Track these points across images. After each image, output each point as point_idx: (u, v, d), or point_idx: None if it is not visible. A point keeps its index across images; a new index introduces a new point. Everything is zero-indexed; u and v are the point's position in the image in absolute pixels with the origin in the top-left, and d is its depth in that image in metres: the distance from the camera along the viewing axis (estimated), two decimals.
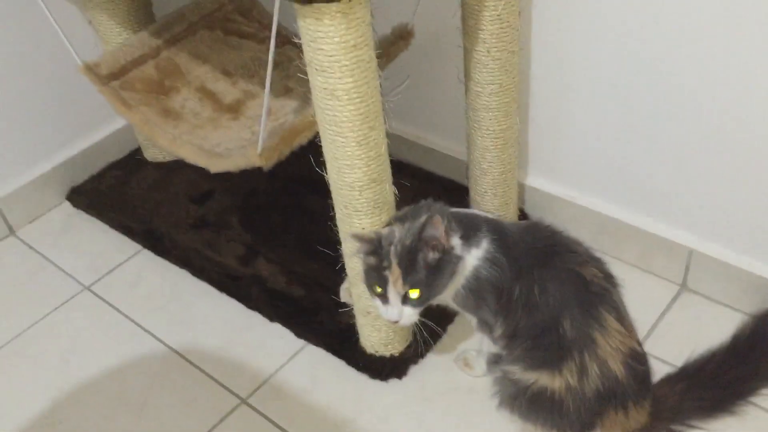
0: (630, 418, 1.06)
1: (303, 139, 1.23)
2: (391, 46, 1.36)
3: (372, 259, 1.05)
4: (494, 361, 1.23)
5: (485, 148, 1.34)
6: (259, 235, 1.56)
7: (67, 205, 1.73)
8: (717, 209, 1.29)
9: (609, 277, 1.08)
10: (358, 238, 1.04)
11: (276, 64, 1.35)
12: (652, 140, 1.29)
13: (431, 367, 1.31)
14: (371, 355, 1.31)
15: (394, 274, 1.02)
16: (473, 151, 1.37)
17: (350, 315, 1.31)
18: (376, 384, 1.30)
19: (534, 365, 1.08)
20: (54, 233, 1.67)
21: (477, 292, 1.08)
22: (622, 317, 1.06)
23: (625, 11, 1.19)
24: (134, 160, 1.80)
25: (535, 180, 1.49)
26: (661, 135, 1.28)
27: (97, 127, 1.77)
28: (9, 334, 1.45)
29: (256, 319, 1.42)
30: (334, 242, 1.22)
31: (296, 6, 0.90)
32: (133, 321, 1.45)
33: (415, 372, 1.31)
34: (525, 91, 1.39)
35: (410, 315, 1.06)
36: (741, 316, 1.32)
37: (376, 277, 1.04)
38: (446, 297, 1.13)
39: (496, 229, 1.09)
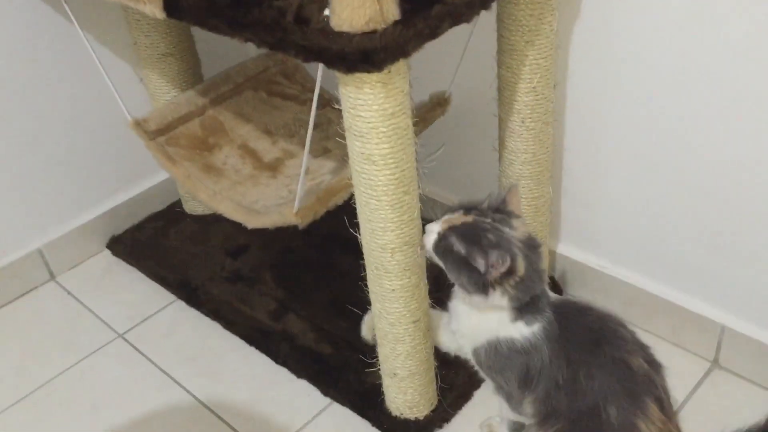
0: None
1: (339, 200, 1.26)
2: (429, 112, 1.41)
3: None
4: (516, 429, 1.22)
5: None
6: (290, 292, 1.59)
7: (107, 253, 1.77)
8: (750, 287, 1.28)
9: (654, 364, 1.06)
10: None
11: (316, 126, 1.40)
12: (686, 215, 1.30)
13: None
14: (396, 417, 1.31)
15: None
16: None
17: (376, 375, 1.31)
18: None
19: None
20: (93, 280, 1.71)
21: (503, 360, 1.08)
22: (664, 406, 1.03)
23: (660, 89, 1.22)
24: (174, 212, 1.85)
25: (566, 248, 1.50)
26: (694, 211, 1.28)
27: (140, 180, 1.83)
28: (43, 378, 1.48)
29: (283, 374, 1.44)
30: (364, 302, 1.23)
31: (338, 74, 0.94)
32: (163, 371, 1.48)
33: None
34: (558, 161, 1.41)
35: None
36: None
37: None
38: (466, 346, 1.12)
39: (552, 312, 1.06)
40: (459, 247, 1.01)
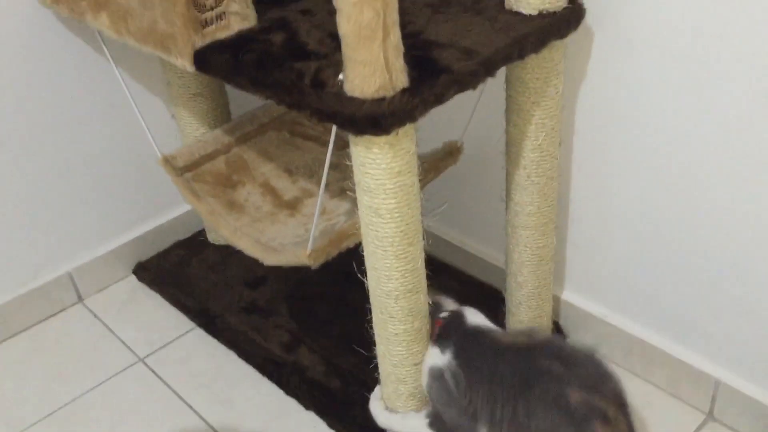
0: None
1: (350, 243, 1.33)
2: (441, 161, 1.47)
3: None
4: None
5: (522, 263, 1.41)
6: (304, 324, 1.66)
7: (133, 278, 1.86)
8: (745, 343, 1.32)
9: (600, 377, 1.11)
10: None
11: (334, 166, 1.48)
12: (686, 271, 1.34)
13: None
14: None
15: None
16: (510, 264, 1.44)
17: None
18: None
19: None
20: (118, 304, 1.80)
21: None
22: (609, 417, 1.06)
23: (663, 148, 1.27)
24: (198, 241, 1.94)
25: (570, 295, 1.55)
26: (694, 267, 1.33)
27: (166, 209, 1.91)
28: (67, 397, 1.56)
29: (292, 405, 1.50)
30: (372, 341, 1.30)
31: (349, 134, 1.02)
32: (179, 396, 1.55)
33: None
34: (564, 212, 1.47)
35: None
36: None
37: None
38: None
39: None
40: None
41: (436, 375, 1.21)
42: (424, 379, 1.23)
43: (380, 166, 1.02)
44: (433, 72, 1.01)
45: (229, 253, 1.88)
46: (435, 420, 1.25)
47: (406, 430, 1.30)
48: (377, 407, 1.34)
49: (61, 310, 1.78)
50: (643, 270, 1.41)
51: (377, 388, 1.35)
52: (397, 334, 1.20)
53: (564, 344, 1.20)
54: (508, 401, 1.11)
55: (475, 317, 1.24)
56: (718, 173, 1.22)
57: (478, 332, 1.20)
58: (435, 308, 1.25)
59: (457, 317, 1.23)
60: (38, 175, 1.66)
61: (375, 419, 1.34)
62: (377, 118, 0.96)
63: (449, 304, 1.28)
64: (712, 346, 1.37)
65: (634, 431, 1.10)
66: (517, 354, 1.15)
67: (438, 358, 1.21)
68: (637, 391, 1.46)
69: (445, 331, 1.22)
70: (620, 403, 1.10)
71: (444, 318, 1.23)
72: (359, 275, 1.21)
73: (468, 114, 1.42)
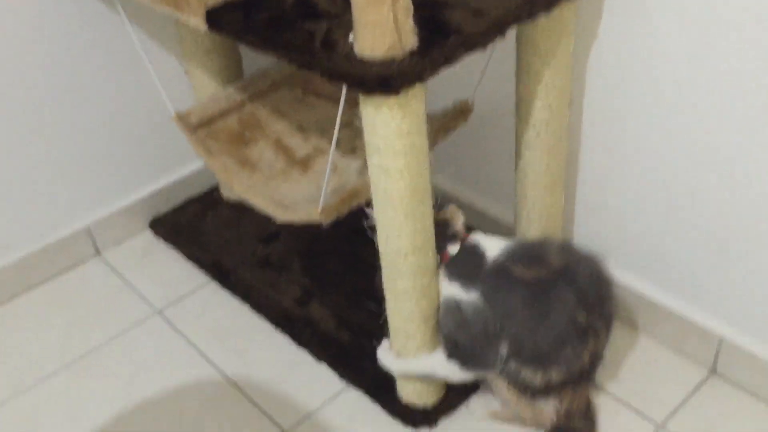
0: (578, 395, 1.30)
1: (361, 200, 1.35)
2: (451, 120, 1.48)
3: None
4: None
5: (530, 221, 1.43)
6: (315, 280, 1.69)
7: (149, 233, 1.90)
8: (748, 300, 1.34)
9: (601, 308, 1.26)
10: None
11: (346, 124, 1.49)
12: (691, 228, 1.36)
13: (460, 421, 1.40)
14: (406, 405, 1.41)
15: None
16: (519, 222, 1.46)
17: None
18: (409, 431, 1.39)
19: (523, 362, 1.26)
20: (135, 258, 1.84)
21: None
22: (600, 333, 1.26)
23: (673, 110, 1.28)
24: (212, 196, 1.97)
25: None
26: (699, 224, 1.35)
27: (181, 164, 1.94)
28: (85, 348, 1.62)
29: (305, 356, 1.55)
30: (381, 297, 1.33)
31: (359, 94, 1.03)
32: (195, 347, 1.60)
33: (445, 424, 1.40)
34: (573, 172, 1.48)
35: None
36: (764, 405, 1.36)
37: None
38: None
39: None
40: None
41: (452, 307, 1.26)
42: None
43: (389, 126, 1.04)
44: (443, 33, 1.02)
45: (242, 209, 1.91)
46: (453, 350, 1.30)
47: (423, 370, 1.34)
48: (387, 357, 1.37)
49: (79, 263, 1.83)
50: (650, 229, 1.43)
51: (385, 341, 1.38)
52: (406, 290, 1.23)
53: (575, 266, 1.26)
54: (526, 324, 1.23)
55: (488, 243, 1.28)
56: (728, 133, 1.23)
57: (499, 270, 1.25)
58: (442, 229, 1.27)
59: (472, 252, 1.27)
60: (54, 132, 1.69)
61: (387, 368, 1.37)
62: (387, 79, 0.97)
63: (457, 224, 1.30)
64: (716, 303, 1.39)
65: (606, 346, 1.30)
66: (534, 286, 1.24)
67: (452, 289, 1.26)
68: (641, 346, 1.49)
69: (460, 267, 1.26)
70: (609, 323, 1.29)
71: (457, 253, 1.27)
72: (368, 233, 1.23)
73: (479, 73, 1.43)
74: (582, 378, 1.29)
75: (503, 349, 1.26)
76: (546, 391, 1.29)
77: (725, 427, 1.35)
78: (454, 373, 1.32)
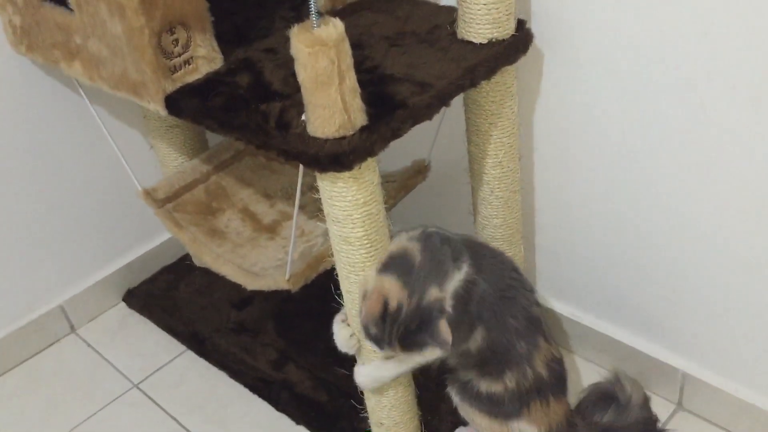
0: (551, 410, 1.31)
1: (327, 265, 1.39)
2: (410, 179, 1.54)
3: (375, 329, 1.17)
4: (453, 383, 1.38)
5: None
6: (291, 341, 1.72)
7: (123, 305, 1.92)
8: (707, 337, 1.39)
9: (539, 306, 1.32)
10: (366, 312, 1.16)
11: (311, 187, 1.53)
12: (646, 271, 1.42)
13: None
14: None
15: (397, 351, 1.18)
16: None
17: (368, 423, 1.43)
18: None
19: (482, 374, 1.30)
20: (110, 332, 1.86)
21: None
22: (548, 336, 1.31)
23: (614, 155, 1.34)
24: (184, 264, 1.99)
25: (543, 299, 1.62)
26: (656, 267, 1.40)
27: (152, 235, 1.97)
28: (66, 427, 1.62)
29: (284, 421, 1.57)
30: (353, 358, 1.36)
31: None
32: (174, 419, 1.61)
33: None
34: (531, 221, 1.54)
35: None
36: None
37: (377, 343, 1.19)
38: None
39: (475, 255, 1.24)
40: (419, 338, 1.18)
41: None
42: None
43: (346, 198, 1.09)
44: (390, 108, 1.07)
45: (214, 275, 1.90)
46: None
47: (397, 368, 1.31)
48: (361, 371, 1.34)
49: (55, 342, 1.84)
50: (609, 272, 1.48)
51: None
52: (375, 352, 1.26)
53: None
54: (495, 311, 1.25)
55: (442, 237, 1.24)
56: (670, 177, 1.30)
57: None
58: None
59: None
60: (24, 214, 1.72)
61: (364, 385, 1.34)
62: (339, 156, 1.02)
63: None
64: (678, 341, 1.44)
65: None
66: (492, 275, 1.25)
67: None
68: None
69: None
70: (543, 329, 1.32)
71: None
72: (336, 296, 1.27)
73: (433, 133, 1.49)
74: (544, 388, 1.30)
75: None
76: (514, 405, 1.30)
77: None
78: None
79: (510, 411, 1.32)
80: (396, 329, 1.15)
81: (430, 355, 1.23)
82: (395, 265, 1.16)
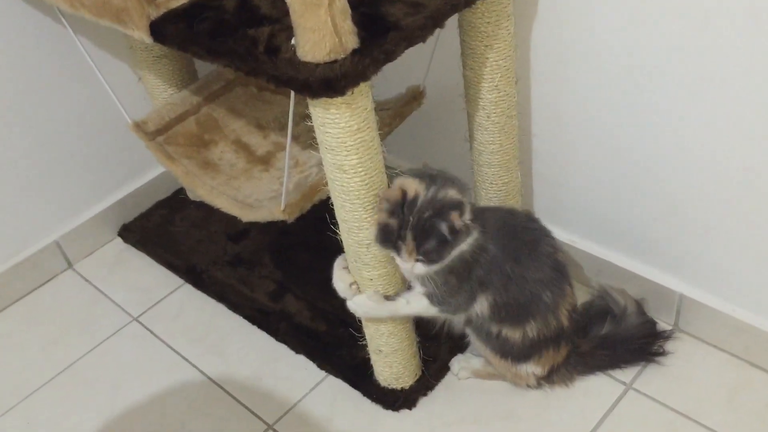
0: (559, 354, 1.36)
1: (323, 195, 1.38)
2: (405, 105, 1.50)
3: (391, 220, 1.16)
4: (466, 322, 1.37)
5: (489, 199, 1.46)
6: (288, 273, 1.72)
7: (119, 240, 1.91)
8: (703, 259, 1.39)
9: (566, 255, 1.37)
10: (384, 198, 1.15)
11: (306, 117, 1.51)
12: (643, 194, 1.41)
13: (438, 400, 1.45)
14: (384, 388, 1.45)
15: (408, 246, 1.16)
16: (479, 200, 1.50)
17: (366, 350, 1.45)
18: (389, 414, 1.44)
19: (505, 322, 1.31)
20: (107, 267, 1.85)
21: (459, 271, 1.23)
22: (572, 285, 1.34)
23: (615, 77, 1.31)
24: (178, 199, 1.98)
25: None
26: (651, 189, 1.39)
27: (145, 170, 1.95)
28: (67, 361, 1.64)
29: (283, 350, 1.58)
30: None
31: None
32: (175, 351, 1.62)
33: (424, 403, 1.44)
34: (527, 147, 1.52)
35: (421, 269, 1.19)
36: (727, 356, 1.43)
37: (390, 239, 1.17)
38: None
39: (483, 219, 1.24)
40: (435, 234, 1.17)
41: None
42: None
43: (339, 125, 1.06)
44: (382, 30, 1.04)
45: (210, 208, 1.89)
46: (434, 299, 1.28)
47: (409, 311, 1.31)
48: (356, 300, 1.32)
49: (52, 278, 1.84)
50: (606, 195, 1.47)
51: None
52: (371, 279, 1.26)
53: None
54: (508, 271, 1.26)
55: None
56: (670, 96, 1.27)
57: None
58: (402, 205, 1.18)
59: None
60: (15, 151, 1.69)
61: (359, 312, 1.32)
62: (330, 81, 0.99)
63: (412, 191, 1.18)
64: (674, 263, 1.44)
65: None
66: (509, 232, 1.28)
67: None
68: None
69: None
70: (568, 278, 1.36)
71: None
72: (332, 226, 1.26)
73: (428, 58, 1.45)
74: (561, 337, 1.34)
75: (482, 303, 1.27)
76: (528, 351, 1.33)
77: (691, 378, 1.40)
78: (427, 310, 1.30)
79: (522, 355, 1.34)
80: (412, 218, 1.14)
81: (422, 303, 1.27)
82: (414, 173, 1.20)
